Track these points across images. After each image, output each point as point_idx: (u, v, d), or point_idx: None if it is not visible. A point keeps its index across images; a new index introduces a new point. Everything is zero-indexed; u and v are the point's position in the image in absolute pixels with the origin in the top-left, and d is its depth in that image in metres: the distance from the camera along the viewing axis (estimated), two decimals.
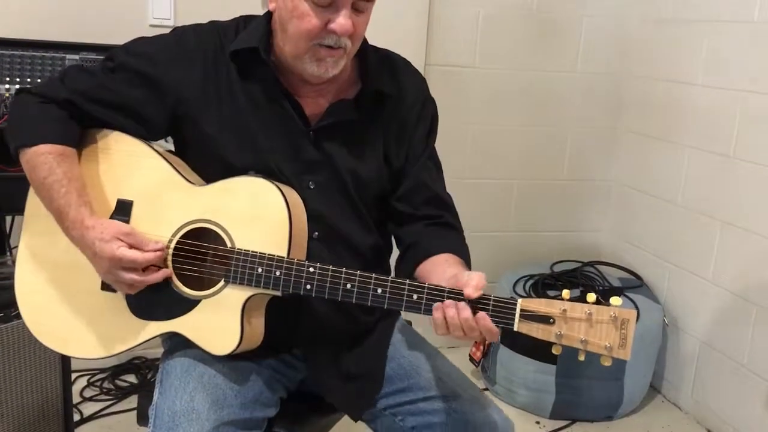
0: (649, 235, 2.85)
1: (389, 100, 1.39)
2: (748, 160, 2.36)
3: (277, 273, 1.23)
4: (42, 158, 1.30)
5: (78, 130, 1.36)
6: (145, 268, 1.28)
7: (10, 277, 1.89)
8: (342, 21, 1.24)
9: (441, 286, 1.17)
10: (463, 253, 1.35)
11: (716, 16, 2.49)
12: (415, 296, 1.18)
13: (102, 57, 1.43)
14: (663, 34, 2.75)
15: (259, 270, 1.24)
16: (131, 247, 1.26)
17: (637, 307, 2.57)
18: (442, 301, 1.16)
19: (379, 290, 1.20)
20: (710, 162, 2.52)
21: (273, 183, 1.27)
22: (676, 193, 2.68)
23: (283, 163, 1.34)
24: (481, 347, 2.68)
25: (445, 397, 1.35)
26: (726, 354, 2.46)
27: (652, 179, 2.82)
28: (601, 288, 2.70)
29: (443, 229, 1.40)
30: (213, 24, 1.40)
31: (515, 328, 1.14)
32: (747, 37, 2.36)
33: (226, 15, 1.43)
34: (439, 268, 1.27)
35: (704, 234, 2.54)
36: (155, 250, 1.27)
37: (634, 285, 2.76)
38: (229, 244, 1.27)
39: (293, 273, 1.23)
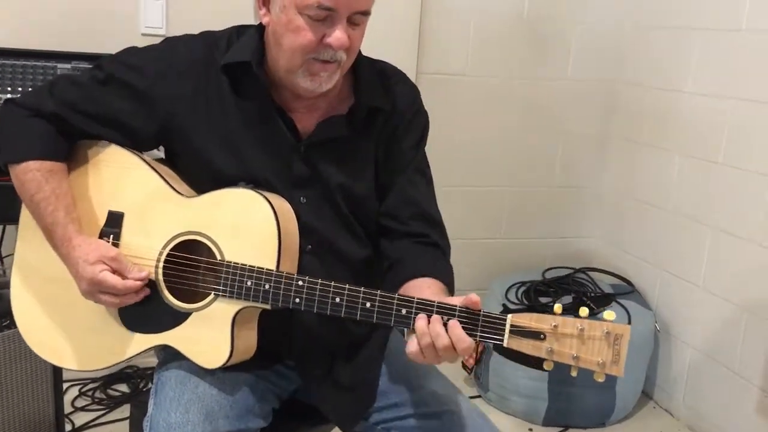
0: (640, 242, 2.86)
1: (381, 114, 1.38)
2: (738, 167, 2.38)
3: (267, 286, 1.23)
4: (30, 175, 1.30)
5: (66, 144, 1.35)
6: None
7: (1, 286, 1.89)
8: (338, 35, 1.23)
9: (431, 300, 1.16)
10: (446, 279, 1.32)
11: (705, 25, 2.51)
12: (404, 311, 1.17)
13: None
14: (653, 41, 2.77)
15: (249, 283, 1.23)
16: (114, 271, 1.26)
17: (628, 314, 2.58)
18: (431, 316, 1.15)
19: (368, 304, 1.19)
20: (700, 169, 2.53)
21: (262, 194, 1.26)
22: (666, 200, 2.70)
23: (274, 179, 1.33)
24: (474, 354, 2.68)
25: (439, 413, 1.34)
26: (717, 360, 2.47)
27: (643, 186, 2.83)
28: (593, 294, 2.70)
29: (429, 250, 1.37)
30: (204, 35, 1.39)
31: (505, 344, 1.12)
32: (735, 45, 2.38)
33: (218, 24, 1.42)
34: (425, 293, 1.23)
35: (695, 240, 2.55)
36: (137, 279, 1.27)
37: (625, 291, 2.77)
38: (218, 257, 1.27)
39: (282, 286, 1.23)
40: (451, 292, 1.29)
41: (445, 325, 1.13)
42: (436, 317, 1.14)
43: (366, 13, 1.26)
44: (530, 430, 2.54)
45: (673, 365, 2.67)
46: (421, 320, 1.14)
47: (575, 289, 2.73)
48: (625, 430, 2.59)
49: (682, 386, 2.63)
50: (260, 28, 1.34)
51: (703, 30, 2.51)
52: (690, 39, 2.57)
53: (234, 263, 1.25)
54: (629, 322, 2.54)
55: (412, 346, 1.16)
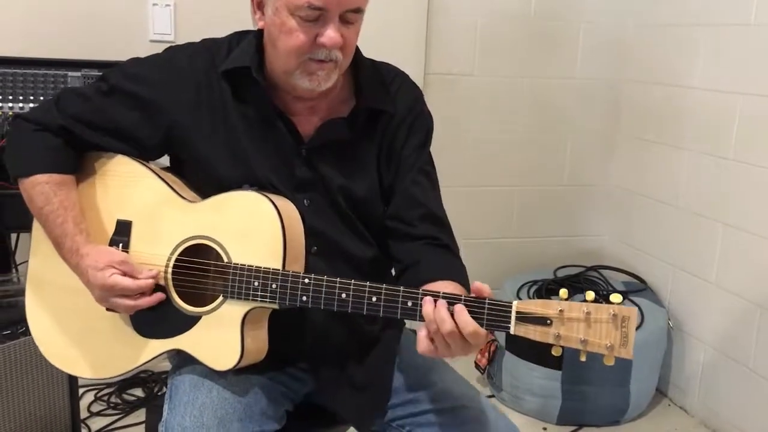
0: (651, 239, 2.85)
1: (383, 116, 1.38)
2: (748, 162, 2.37)
3: (273, 286, 1.24)
4: (39, 188, 1.32)
5: (74, 156, 1.37)
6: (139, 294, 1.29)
7: (16, 294, 1.92)
8: (331, 34, 1.23)
9: (436, 291, 1.16)
10: (463, 281, 1.31)
11: (713, 20, 2.50)
12: (410, 303, 1.17)
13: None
14: (660, 38, 2.76)
15: (256, 283, 1.24)
16: (124, 274, 1.28)
17: (641, 311, 2.57)
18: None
19: (374, 298, 1.19)
20: (710, 165, 2.52)
21: (265, 196, 1.27)
22: (677, 197, 2.69)
23: (277, 182, 1.34)
24: (486, 354, 2.68)
25: (452, 408, 1.34)
26: (731, 356, 2.45)
27: (653, 183, 2.82)
28: (605, 292, 2.70)
29: (441, 252, 1.37)
30: (205, 42, 1.40)
31: (512, 331, 1.12)
32: (744, 40, 2.37)
33: (225, 30, 1.43)
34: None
35: (706, 237, 2.54)
36: (147, 278, 1.29)
37: (637, 288, 2.76)
38: (225, 259, 1.28)
39: (289, 285, 1.23)
40: (468, 292, 1.29)
41: (451, 312, 1.13)
42: (441, 302, 1.14)
43: (358, 11, 1.26)
44: (544, 429, 2.54)
45: (687, 362, 2.66)
46: (428, 304, 1.14)
47: (587, 287, 2.72)
48: (639, 428, 2.58)
49: (697, 383, 2.61)
50: (259, 34, 1.35)
51: (712, 25, 2.50)
52: (698, 34, 2.56)
53: (241, 265, 1.26)
54: (642, 320, 2.53)
55: (420, 337, 1.15)
